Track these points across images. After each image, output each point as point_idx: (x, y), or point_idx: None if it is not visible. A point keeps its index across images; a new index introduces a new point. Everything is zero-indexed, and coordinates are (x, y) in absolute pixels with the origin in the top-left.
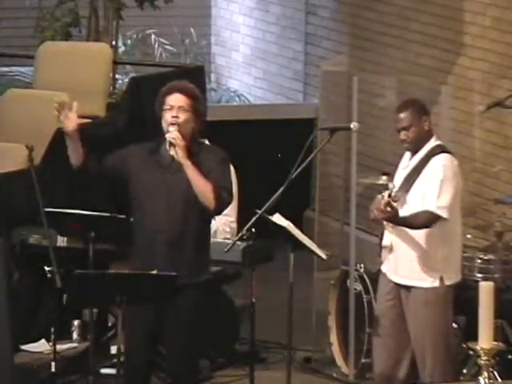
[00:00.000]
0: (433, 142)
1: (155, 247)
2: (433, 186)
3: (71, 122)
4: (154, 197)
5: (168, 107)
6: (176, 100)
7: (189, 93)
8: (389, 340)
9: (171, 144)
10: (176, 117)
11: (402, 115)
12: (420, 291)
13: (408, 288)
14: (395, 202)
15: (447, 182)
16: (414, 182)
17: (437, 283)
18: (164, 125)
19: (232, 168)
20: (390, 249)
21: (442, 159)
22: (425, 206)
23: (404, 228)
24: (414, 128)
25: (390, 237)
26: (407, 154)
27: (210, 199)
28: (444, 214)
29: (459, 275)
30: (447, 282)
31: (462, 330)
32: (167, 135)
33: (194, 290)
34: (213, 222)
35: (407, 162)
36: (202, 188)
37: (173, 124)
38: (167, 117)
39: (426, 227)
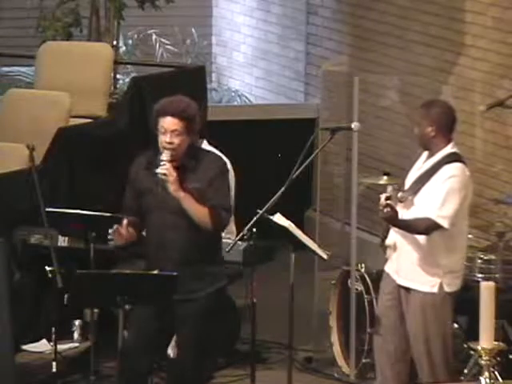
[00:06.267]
0: (449, 149)
1: (164, 263)
2: (438, 195)
3: (122, 238)
4: (159, 213)
5: (162, 130)
6: (169, 124)
7: (182, 115)
8: (389, 340)
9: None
10: (170, 143)
11: (420, 111)
12: (419, 294)
13: (408, 290)
14: (401, 202)
15: (453, 193)
16: (423, 185)
17: (435, 289)
18: (159, 146)
19: (230, 167)
20: (394, 248)
21: (453, 169)
22: (426, 214)
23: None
24: (419, 128)
25: (394, 236)
26: (423, 156)
27: (207, 224)
28: (444, 223)
29: (460, 284)
30: (447, 289)
31: (463, 330)
32: (157, 170)
33: (205, 300)
34: None
35: (421, 164)
36: (200, 215)
37: (167, 149)
38: (161, 140)
39: (425, 234)
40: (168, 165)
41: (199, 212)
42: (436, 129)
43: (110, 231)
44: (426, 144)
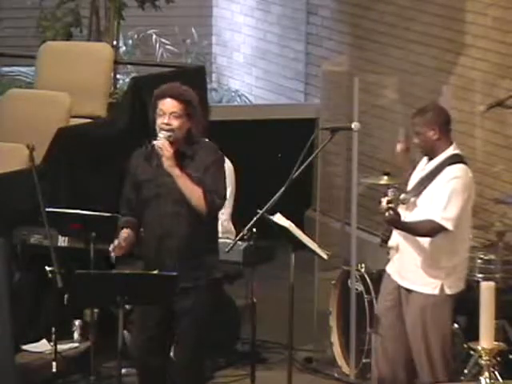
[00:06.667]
0: (451, 150)
1: (163, 253)
2: (441, 197)
3: (121, 250)
4: (159, 201)
5: (160, 113)
6: (167, 105)
7: (180, 98)
8: (387, 340)
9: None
10: (168, 124)
11: (415, 120)
12: (419, 296)
13: (409, 291)
14: (404, 204)
15: (456, 194)
16: (425, 187)
17: (436, 291)
18: (157, 128)
19: (230, 165)
20: (397, 249)
21: (456, 170)
22: (430, 216)
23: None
24: (420, 136)
25: (397, 237)
26: (425, 158)
27: (201, 205)
28: (448, 225)
29: (462, 286)
30: (448, 292)
31: (462, 330)
32: (154, 142)
33: (203, 290)
34: None
35: (423, 166)
36: (193, 195)
37: (165, 130)
38: (158, 122)
39: (429, 236)
40: (165, 140)
41: (193, 192)
42: (438, 131)
43: (110, 248)
44: (429, 149)
